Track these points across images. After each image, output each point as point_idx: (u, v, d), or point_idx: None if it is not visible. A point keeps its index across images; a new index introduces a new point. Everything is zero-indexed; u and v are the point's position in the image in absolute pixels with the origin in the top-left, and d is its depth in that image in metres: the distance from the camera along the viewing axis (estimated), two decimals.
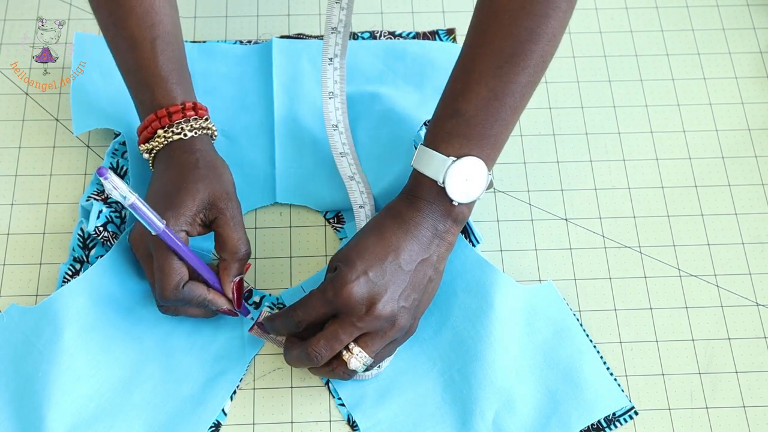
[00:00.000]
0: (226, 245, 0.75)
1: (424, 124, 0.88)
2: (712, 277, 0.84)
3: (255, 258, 0.84)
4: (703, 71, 0.95)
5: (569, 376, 0.77)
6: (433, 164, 0.72)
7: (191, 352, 0.78)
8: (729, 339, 0.81)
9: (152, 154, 0.78)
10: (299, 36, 0.94)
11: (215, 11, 0.97)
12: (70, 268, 0.81)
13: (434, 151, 0.72)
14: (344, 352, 0.72)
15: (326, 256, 0.85)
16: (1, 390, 0.75)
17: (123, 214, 0.82)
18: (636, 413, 0.78)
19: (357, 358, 0.72)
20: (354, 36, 0.95)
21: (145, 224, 0.69)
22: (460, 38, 0.95)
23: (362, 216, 0.82)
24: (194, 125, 0.77)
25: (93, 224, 0.80)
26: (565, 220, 0.87)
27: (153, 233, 0.70)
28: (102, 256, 0.80)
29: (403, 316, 0.72)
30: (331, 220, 0.86)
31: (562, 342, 0.79)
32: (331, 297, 0.71)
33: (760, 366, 0.80)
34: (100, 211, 0.81)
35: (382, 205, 0.84)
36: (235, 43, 0.94)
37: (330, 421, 0.77)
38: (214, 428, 0.76)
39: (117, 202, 0.83)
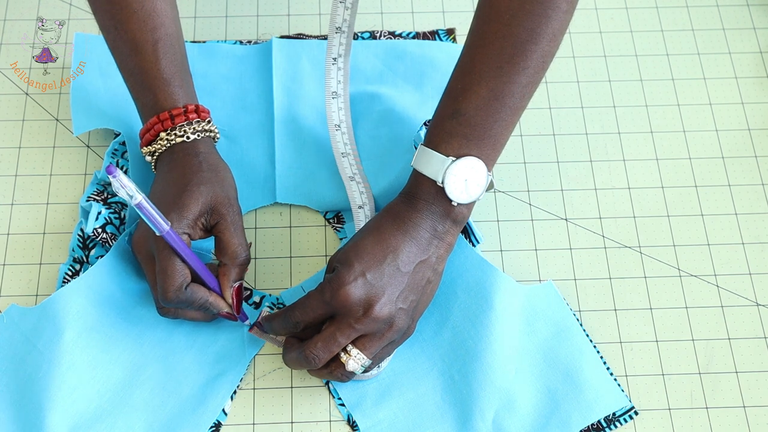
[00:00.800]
0: (227, 250, 0.75)
1: (424, 124, 0.88)
2: (712, 277, 0.84)
3: (255, 258, 0.84)
4: (703, 71, 0.95)
5: (569, 376, 0.77)
6: (433, 164, 0.72)
7: (191, 353, 0.78)
8: (729, 339, 0.81)
9: (155, 157, 0.78)
10: (299, 36, 0.94)
11: (215, 11, 0.97)
12: (70, 268, 0.81)
13: (434, 151, 0.72)
14: (342, 354, 0.72)
15: (326, 256, 0.84)
16: (1, 390, 0.75)
17: (122, 216, 0.82)
18: (636, 413, 0.78)
19: (355, 360, 0.72)
20: (354, 36, 0.94)
21: (149, 224, 0.69)
22: (460, 38, 0.95)
23: (361, 216, 0.82)
24: (197, 128, 0.77)
25: (92, 226, 0.80)
26: (565, 220, 0.87)
27: (157, 234, 0.70)
28: (102, 256, 0.80)
29: (401, 318, 0.72)
30: (331, 220, 0.86)
31: (562, 342, 0.79)
32: (329, 298, 0.71)
33: (760, 366, 0.80)
34: (99, 213, 0.81)
35: (382, 206, 0.84)
36: (235, 43, 0.94)
37: (330, 421, 0.77)
38: (214, 428, 0.76)
39: (116, 203, 0.83)
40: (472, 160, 0.72)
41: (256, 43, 0.94)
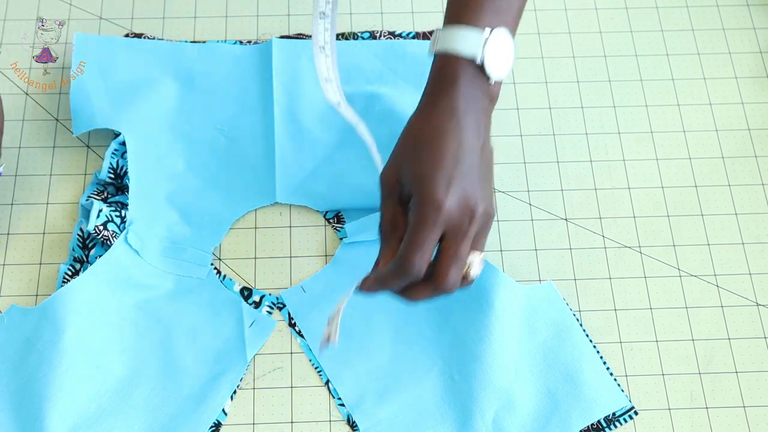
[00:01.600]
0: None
1: None
2: (712, 277, 0.84)
3: (255, 258, 0.84)
4: (703, 71, 0.95)
5: (569, 376, 0.77)
6: (468, 40, 0.67)
7: (191, 352, 0.78)
8: (729, 339, 0.81)
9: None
10: (299, 36, 0.94)
11: (215, 11, 0.97)
12: (70, 268, 0.81)
13: (467, 27, 0.67)
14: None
15: (326, 256, 0.85)
16: (1, 391, 0.75)
17: (122, 214, 0.82)
18: (636, 413, 0.78)
19: (477, 263, 0.67)
20: (354, 36, 0.95)
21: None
22: None
23: (329, 90, 0.76)
24: None
25: (93, 223, 0.80)
26: (565, 220, 0.87)
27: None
28: (102, 255, 0.80)
29: (491, 203, 0.68)
30: (331, 220, 0.86)
31: (562, 342, 0.79)
32: (434, 222, 0.65)
33: (760, 366, 0.80)
34: (100, 210, 0.81)
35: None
36: (235, 43, 0.94)
37: (330, 421, 0.77)
38: (214, 428, 0.76)
39: (117, 202, 0.83)
40: (502, 31, 0.68)
41: (256, 43, 0.94)
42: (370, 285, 0.68)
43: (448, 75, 0.68)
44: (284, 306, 0.82)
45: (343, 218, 0.86)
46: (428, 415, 0.77)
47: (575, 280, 0.84)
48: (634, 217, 0.87)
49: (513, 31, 0.69)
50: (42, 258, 0.83)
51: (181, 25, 0.95)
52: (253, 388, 0.79)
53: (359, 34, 0.95)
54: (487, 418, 0.76)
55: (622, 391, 0.78)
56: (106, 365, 0.76)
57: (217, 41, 0.95)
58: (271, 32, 0.96)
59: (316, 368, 0.79)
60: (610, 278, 0.84)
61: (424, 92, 0.70)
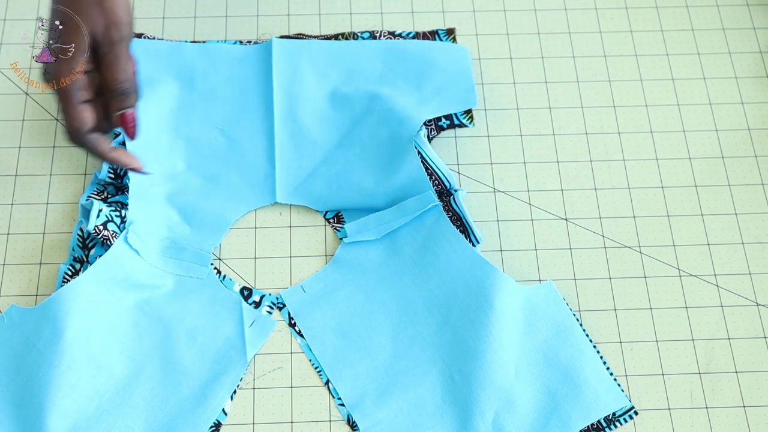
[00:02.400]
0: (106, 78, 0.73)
1: (424, 124, 0.88)
2: (712, 277, 0.84)
3: (255, 258, 0.84)
4: (703, 71, 0.95)
5: (569, 376, 0.77)
6: None
7: (191, 353, 0.78)
8: (729, 339, 0.81)
9: None
10: (299, 36, 0.94)
11: (215, 11, 0.97)
12: (70, 268, 0.81)
13: None
14: None
15: (326, 256, 0.85)
16: (1, 390, 0.75)
17: (122, 214, 0.82)
18: (636, 413, 0.78)
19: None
20: (354, 36, 0.95)
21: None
22: (461, 38, 0.96)
23: None
24: None
25: (93, 223, 0.80)
26: (565, 220, 0.87)
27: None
28: (102, 255, 0.80)
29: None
30: (331, 220, 0.86)
31: (562, 342, 0.79)
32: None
33: (760, 366, 0.80)
34: (100, 210, 0.81)
35: (381, 207, 0.84)
36: (235, 43, 0.94)
37: (330, 421, 0.77)
38: (214, 428, 0.76)
39: (117, 202, 0.83)
40: None
41: (256, 43, 0.94)
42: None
43: None
44: (284, 306, 0.82)
45: (343, 218, 0.86)
46: (428, 415, 0.77)
47: (575, 280, 0.84)
48: (634, 217, 0.87)
49: None
50: (42, 258, 0.83)
51: (181, 25, 0.95)
52: (253, 388, 0.79)
53: (359, 34, 0.95)
54: (487, 418, 0.76)
55: (622, 391, 0.78)
56: (106, 365, 0.76)
57: (217, 41, 0.95)
58: (271, 32, 0.96)
59: (316, 368, 0.80)
60: (610, 278, 0.84)
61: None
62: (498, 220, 0.86)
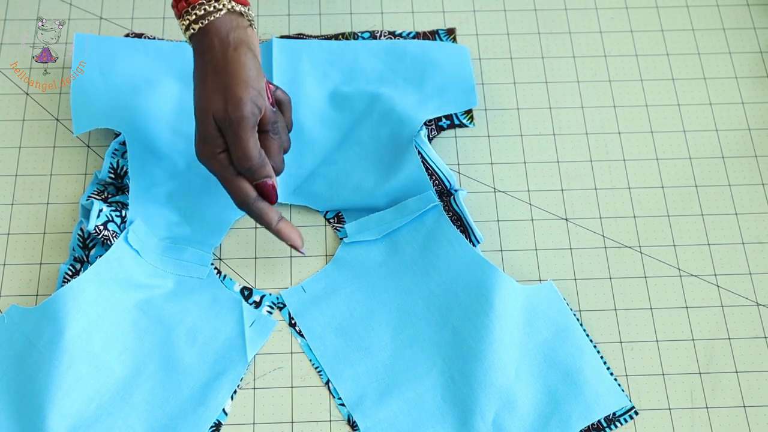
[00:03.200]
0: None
1: (425, 124, 0.88)
2: (712, 277, 0.84)
3: (255, 258, 0.84)
4: (703, 71, 0.95)
5: (569, 376, 0.77)
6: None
7: (191, 352, 0.78)
8: (729, 339, 0.81)
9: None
10: (299, 36, 0.94)
11: None
12: (70, 268, 0.81)
13: None
14: None
15: (326, 256, 0.85)
16: (1, 391, 0.75)
17: (123, 214, 0.82)
18: (636, 413, 0.78)
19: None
20: (354, 36, 0.95)
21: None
22: (461, 38, 0.96)
23: None
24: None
25: (93, 223, 0.80)
26: (565, 220, 0.87)
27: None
28: (102, 255, 0.80)
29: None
30: (331, 220, 0.86)
31: (562, 342, 0.79)
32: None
33: (760, 366, 0.80)
34: (101, 210, 0.81)
35: (383, 207, 0.84)
36: None
37: (330, 421, 0.77)
38: (214, 428, 0.76)
39: (117, 202, 0.83)
40: None
41: None
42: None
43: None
44: (284, 306, 0.82)
45: (343, 218, 0.86)
46: (428, 415, 0.77)
47: (575, 280, 0.84)
48: (634, 217, 0.87)
49: None
50: (42, 258, 0.83)
51: None
52: (253, 388, 0.79)
53: (359, 34, 0.95)
54: (487, 418, 0.76)
55: (623, 390, 0.78)
56: (106, 365, 0.76)
57: None
58: (271, 32, 0.96)
59: (316, 368, 0.80)
60: (610, 278, 0.84)
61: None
62: (498, 220, 0.86)
